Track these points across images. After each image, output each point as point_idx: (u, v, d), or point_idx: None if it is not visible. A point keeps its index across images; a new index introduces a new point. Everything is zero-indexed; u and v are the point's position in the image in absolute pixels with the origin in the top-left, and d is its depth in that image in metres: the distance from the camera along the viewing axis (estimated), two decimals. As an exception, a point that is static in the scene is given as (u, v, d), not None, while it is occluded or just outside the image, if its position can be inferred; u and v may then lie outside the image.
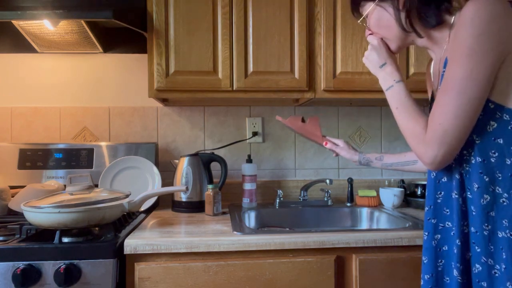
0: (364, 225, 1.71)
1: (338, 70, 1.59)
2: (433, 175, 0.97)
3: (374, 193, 1.76)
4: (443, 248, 0.93)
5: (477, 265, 0.86)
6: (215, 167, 1.73)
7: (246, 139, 1.92)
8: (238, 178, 1.86)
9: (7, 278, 1.06)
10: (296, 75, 1.57)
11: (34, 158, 1.70)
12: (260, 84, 1.56)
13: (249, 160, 1.78)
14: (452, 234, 0.92)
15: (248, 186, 1.72)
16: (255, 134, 1.92)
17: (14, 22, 1.55)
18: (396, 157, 1.28)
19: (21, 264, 1.07)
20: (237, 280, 1.19)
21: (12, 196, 1.52)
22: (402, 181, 1.84)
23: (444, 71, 0.87)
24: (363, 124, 1.98)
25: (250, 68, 1.56)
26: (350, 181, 1.81)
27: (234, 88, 1.56)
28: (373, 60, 1.01)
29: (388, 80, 0.98)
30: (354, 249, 1.24)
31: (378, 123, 1.99)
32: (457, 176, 0.89)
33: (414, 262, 1.24)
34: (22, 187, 1.54)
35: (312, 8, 1.59)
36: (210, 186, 1.54)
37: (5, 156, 1.70)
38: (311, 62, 1.60)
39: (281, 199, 1.76)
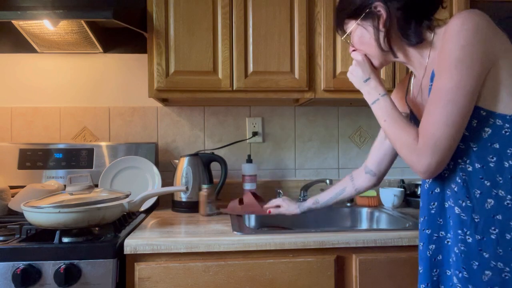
0: (364, 225, 1.71)
1: (338, 70, 1.59)
2: (426, 186, 0.98)
3: (374, 193, 1.76)
4: (438, 257, 0.95)
5: (487, 272, 0.85)
6: (215, 167, 1.73)
7: (246, 139, 1.92)
8: (238, 178, 1.86)
9: (7, 278, 1.06)
10: (296, 75, 1.57)
11: (34, 158, 1.70)
12: (260, 84, 1.56)
13: (249, 160, 1.78)
14: (446, 242, 0.93)
15: (248, 186, 1.72)
16: (255, 134, 1.92)
17: (14, 22, 1.55)
18: (328, 194, 1.36)
19: (21, 264, 1.07)
20: (237, 280, 1.19)
21: (12, 196, 1.52)
22: (402, 181, 1.84)
23: (431, 84, 0.89)
24: (363, 124, 1.98)
25: (250, 68, 1.56)
26: (350, 181, 1.81)
27: (234, 88, 1.56)
28: (357, 75, 1.04)
29: (373, 94, 1.01)
30: (354, 249, 1.24)
31: (378, 123, 1.98)
32: (452, 185, 0.90)
33: (414, 262, 1.24)
34: (22, 187, 1.54)
35: (312, 8, 1.59)
36: (204, 186, 1.54)
37: (5, 156, 1.70)
38: (311, 62, 1.60)
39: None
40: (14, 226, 1.23)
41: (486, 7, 1.86)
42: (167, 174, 1.81)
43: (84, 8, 1.46)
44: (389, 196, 1.70)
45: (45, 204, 1.14)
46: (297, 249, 1.21)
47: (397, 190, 1.71)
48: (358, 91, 1.58)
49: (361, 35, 0.98)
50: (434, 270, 0.95)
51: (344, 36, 1.03)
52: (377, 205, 1.74)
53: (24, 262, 1.08)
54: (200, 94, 1.56)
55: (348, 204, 1.78)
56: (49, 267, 1.08)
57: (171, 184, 1.69)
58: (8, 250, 1.09)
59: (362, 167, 1.30)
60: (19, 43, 1.80)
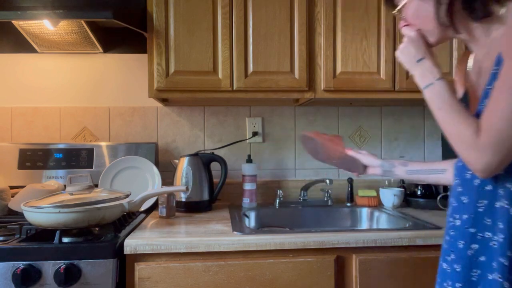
0: (364, 225, 1.71)
1: (338, 70, 1.59)
2: (476, 182, 0.88)
3: (374, 193, 1.76)
4: (480, 258, 0.86)
5: None
6: (215, 167, 1.73)
7: (246, 139, 1.92)
8: (238, 178, 1.86)
9: (7, 278, 1.07)
10: (296, 75, 1.57)
11: (34, 158, 1.70)
12: (260, 84, 1.56)
13: (249, 160, 1.78)
14: (492, 245, 0.84)
15: (248, 186, 1.73)
16: (255, 134, 1.92)
17: (14, 22, 1.55)
18: (425, 165, 1.14)
19: (21, 264, 1.07)
20: (237, 280, 1.19)
21: (12, 196, 1.52)
22: (402, 181, 1.84)
23: (496, 69, 0.80)
24: (363, 124, 1.98)
25: (250, 68, 1.56)
26: (350, 181, 1.82)
27: (234, 88, 1.56)
28: (409, 54, 0.92)
29: (427, 77, 0.89)
30: (354, 249, 1.24)
31: (378, 123, 1.99)
32: (507, 185, 0.81)
33: (414, 262, 1.25)
34: (22, 187, 1.54)
35: (312, 8, 1.59)
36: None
37: (5, 156, 1.70)
38: (311, 62, 1.60)
39: (281, 199, 1.77)
40: (14, 226, 1.23)
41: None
42: (167, 174, 1.81)
43: (84, 8, 1.46)
44: (389, 196, 1.70)
45: (45, 204, 1.14)
46: (297, 249, 1.21)
47: (397, 190, 1.71)
48: (358, 91, 1.61)
49: (418, 7, 0.88)
50: (474, 271, 0.87)
51: (396, 10, 0.92)
52: (377, 205, 1.74)
53: (24, 262, 1.08)
54: (200, 94, 1.56)
55: (348, 204, 1.78)
56: (49, 267, 1.08)
57: (171, 184, 1.69)
58: (8, 250, 1.09)
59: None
60: (19, 43, 1.80)
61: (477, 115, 0.83)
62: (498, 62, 0.79)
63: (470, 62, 0.97)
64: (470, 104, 0.91)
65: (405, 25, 0.93)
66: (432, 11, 0.85)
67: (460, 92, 0.98)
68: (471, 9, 0.82)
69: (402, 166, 1.16)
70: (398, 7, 0.91)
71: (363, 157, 1.25)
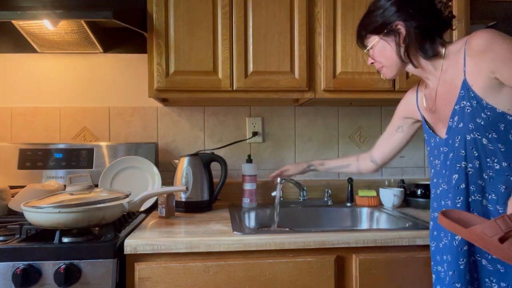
0: (364, 225, 1.71)
1: (338, 70, 1.59)
2: (453, 183, 1.03)
3: (374, 193, 1.76)
4: (464, 248, 0.99)
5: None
6: (215, 167, 1.73)
7: (246, 139, 1.92)
8: (238, 178, 1.86)
9: (7, 278, 1.07)
10: (296, 75, 1.57)
11: (34, 158, 1.70)
12: (260, 84, 1.56)
13: (249, 160, 1.78)
14: None
15: (248, 186, 1.72)
16: (255, 134, 1.92)
17: (14, 22, 1.55)
18: (335, 162, 1.52)
19: (21, 264, 1.07)
20: (237, 280, 1.19)
21: (12, 196, 1.52)
22: (402, 181, 1.84)
23: (462, 92, 0.98)
24: (363, 124, 1.98)
25: (250, 68, 1.56)
26: (350, 181, 1.81)
27: (234, 88, 1.56)
28: None
29: None
30: (354, 249, 1.24)
31: (378, 123, 1.99)
32: (479, 181, 0.98)
33: (414, 262, 1.25)
34: (22, 187, 1.54)
35: (312, 8, 1.59)
36: None
37: (5, 156, 1.70)
38: (311, 62, 1.60)
39: (281, 199, 1.76)
40: (14, 226, 1.23)
41: (486, 7, 1.86)
42: (167, 174, 1.81)
43: (84, 8, 1.46)
44: (389, 196, 1.70)
45: (45, 204, 1.14)
46: (297, 249, 1.21)
47: (397, 190, 1.71)
48: (358, 91, 1.61)
49: (383, 48, 1.09)
50: (461, 259, 0.99)
51: (366, 50, 1.13)
52: (377, 205, 1.74)
53: (24, 262, 1.08)
54: (200, 94, 1.56)
55: (348, 204, 1.78)
56: (49, 267, 1.08)
57: (171, 184, 1.69)
58: (8, 250, 1.09)
59: (368, 155, 1.43)
60: (19, 43, 1.80)
61: (449, 129, 1.02)
62: (464, 86, 0.97)
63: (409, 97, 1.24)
64: (435, 124, 1.11)
65: (371, 62, 1.15)
66: (394, 52, 1.07)
67: (410, 114, 1.25)
68: (423, 50, 1.04)
69: (320, 166, 1.53)
70: (367, 47, 1.12)
71: (295, 170, 1.57)
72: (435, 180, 1.10)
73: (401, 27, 1.03)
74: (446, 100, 1.04)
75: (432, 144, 1.12)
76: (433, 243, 1.10)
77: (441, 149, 1.06)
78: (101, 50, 1.82)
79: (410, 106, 1.24)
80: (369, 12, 1.10)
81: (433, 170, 1.11)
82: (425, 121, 1.16)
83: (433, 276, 1.10)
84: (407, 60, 1.06)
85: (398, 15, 1.03)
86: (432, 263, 1.10)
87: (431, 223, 1.12)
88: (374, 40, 1.09)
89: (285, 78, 1.57)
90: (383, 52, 1.09)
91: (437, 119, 1.10)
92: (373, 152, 1.41)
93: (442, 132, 1.06)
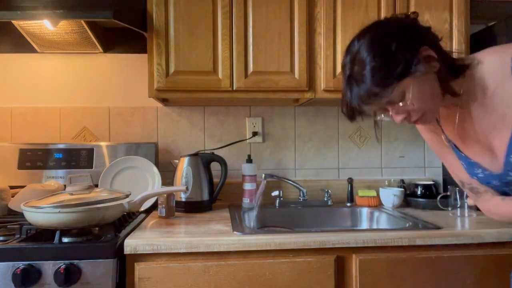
0: (364, 225, 1.71)
1: (338, 70, 1.58)
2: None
3: (374, 193, 1.76)
4: None
5: None
6: (215, 167, 1.73)
7: (246, 139, 1.92)
8: (238, 178, 1.86)
9: (7, 278, 1.06)
10: (296, 75, 1.57)
11: (34, 158, 1.70)
12: (260, 84, 1.56)
13: (249, 160, 1.78)
14: None
15: (248, 186, 1.72)
16: (255, 134, 1.92)
17: (14, 22, 1.55)
18: None
19: (21, 264, 1.07)
20: (237, 280, 1.19)
21: (12, 196, 1.52)
22: (402, 181, 1.84)
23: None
24: (363, 124, 1.98)
25: (250, 68, 1.56)
26: (350, 181, 1.81)
27: (234, 88, 1.56)
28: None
29: None
30: (354, 249, 1.24)
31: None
32: None
33: (414, 262, 1.24)
34: (22, 187, 1.53)
35: (312, 8, 1.59)
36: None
37: (5, 156, 1.70)
38: (311, 62, 1.60)
39: (281, 199, 1.77)
40: (14, 226, 1.23)
41: (486, 7, 1.86)
42: (167, 174, 1.81)
43: (84, 8, 1.46)
44: (389, 196, 1.70)
45: (45, 204, 1.14)
46: (297, 249, 1.21)
47: (397, 190, 1.71)
48: (358, 91, 1.60)
49: (420, 88, 0.86)
50: None
51: (402, 101, 0.87)
52: (377, 205, 1.74)
53: (24, 262, 1.08)
54: (200, 94, 1.56)
55: (348, 204, 1.78)
56: (49, 267, 1.08)
57: (171, 184, 1.69)
58: (8, 250, 1.09)
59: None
60: (19, 43, 1.80)
61: (509, 164, 0.89)
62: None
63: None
64: (461, 148, 0.98)
65: (403, 118, 0.91)
66: (436, 83, 0.87)
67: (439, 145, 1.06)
68: (454, 69, 0.89)
69: None
70: (403, 100, 0.87)
71: None
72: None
73: (428, 50, 0.85)
74: (490, 127, 0.90)
75: (478, 174, 0.99)
76: None
77: (493, 182, 0.96)
78: (101, 50, 1.82)
79: (436, 137, 1.08)
80: (381, 58, 0.84)
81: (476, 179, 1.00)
82: (456, 147, 1.02)
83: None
84: (448, 88, 0.88)
85: (418, 39, 0.85)
86: None
87: None
88: (406, 86, 0.85)
89: (285, 78, 1.57)
90: (422, 92, 0.86)
91: (474, 147, 0.96)
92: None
93: (486, 161, 0.95)
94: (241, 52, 1.55)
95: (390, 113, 0.92)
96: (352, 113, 0.93)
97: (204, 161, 1.67)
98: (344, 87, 0.92)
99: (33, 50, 1.81)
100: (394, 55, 0.83)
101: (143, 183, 1.65)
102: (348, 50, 0.90)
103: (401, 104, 0.88)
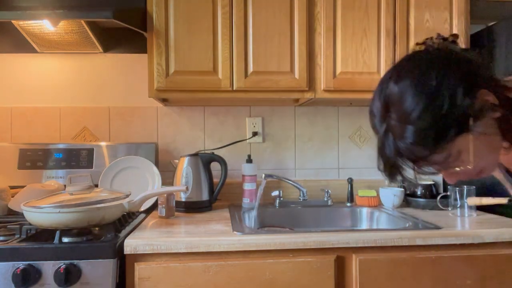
0: (364, 225, 1.71)
1: (338, 70, 1.59)
2: None
3: (374, 193, 1.76)
4: None
5: None
6: (215, 167, 1.73)
7: (246, 139, 1.92)
8: (238, 178, 1.86)
9: (7, 278, 1.06)
10: (296, 75, 1.57)
11: (34, 158, 1.70)
12: (260, 84, 1.56)
13: (249, 160, 1.78)
14: None
15: (248, 186, 1.72)
16: (255, 134, 1.92)
17: (14, 22, 1.54)
18: None
19: (21, 264, 1.07)
20: (237, 280, 1.19)
21: (12, 196, 1.52)
22: (402, 180, 1.84)
23: None
24: (363, 124, 1.98)
25: (250, 68, 1.56)
26: (350, 181, 1.81)
27: (234, 88, 1.56)
28: None
29: None
30: (354, 249, 1.24)
31: (378, 123, 1.98)
32: None
33: (414, 262, 1.24)
34: (22, 187, 1.53)
35: (312, 8, 1.59)
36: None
37: (5, 156, 1.70)
38: (311, 62, 1.60)
39: (281, 199, 1.77)
40: (14, 226, 1.23)
41: (486, 7, 1.86)
42: (167, 174, 1.81)
43: (84, 8, 1.46)
44: (389, 196, 1.70)
45: (45, 204, 1.14)
46: (297, 249, 1.21)
47: (397, 190, 1.71)
48: (358, 91, 1.61)
49: (477, 147, 0.66)
50: None
51: (457, 164, 0.68)
52: (377, 205, 1.74)
53: (24, 262, 1.08)
54: (200, 94, 1.56)
55: (348, 204, 1.78)
56: (49, 267, 1.08)
57: (171, 184, 1.69)
58: (8, 250, 1.09)
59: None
60: (19, 43, 1.80)
61: None
62: None
63: None
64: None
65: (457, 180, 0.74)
66: (497, 131, 0.67)
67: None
68: None
69: None
70: (456, 164, 0.68)
71: None
72: None
73: (488, 94, 0.64)
74: None
75: None
76: None
77: None
78: (101, 50, 1.82)
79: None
80: (432, 114, 0.63)
81: None
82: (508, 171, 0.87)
83: None
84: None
85: (473, 80, 0.64)
86: None
87: None
88: (461, 145, 0.65)
89: (285, 78, 1.57)
90: (480, 149, 0.67)
91: None
92: None
93: None
94: (241, 52, 1.55)
95: (441, 174, 0.75)
96: (394, 173, 0.76)
97: (204, 161, 1.67)
98: (379, 141, 0.76)
99: (33, 50, 1.81)
100: (448, 109, 0.63)
101: (143, 183, 1.65)
102: (380, 94, 0.74)
103: (457, 168, 0.70)
